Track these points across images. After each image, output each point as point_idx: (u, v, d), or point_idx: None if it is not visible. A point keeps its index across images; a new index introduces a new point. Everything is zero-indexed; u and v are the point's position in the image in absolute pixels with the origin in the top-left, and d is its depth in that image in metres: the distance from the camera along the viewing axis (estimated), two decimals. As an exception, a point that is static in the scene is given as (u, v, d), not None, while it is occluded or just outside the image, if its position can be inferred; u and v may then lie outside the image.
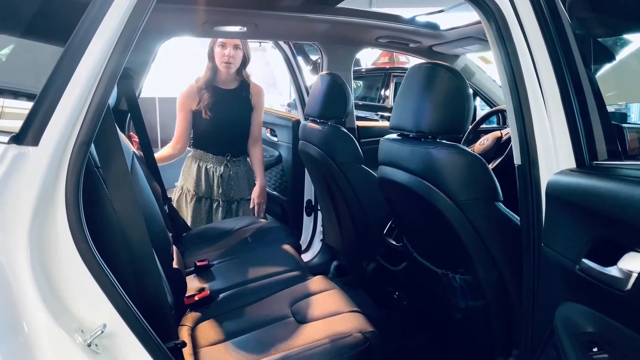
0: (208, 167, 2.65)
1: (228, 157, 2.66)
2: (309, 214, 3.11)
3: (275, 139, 3.21)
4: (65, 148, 0.94)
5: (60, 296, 0.92)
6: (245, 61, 2.62)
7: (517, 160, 1.27)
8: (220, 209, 2.68)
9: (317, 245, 3.06)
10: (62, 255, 0.93)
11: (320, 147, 2.29)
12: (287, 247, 2.22)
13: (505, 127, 2.83)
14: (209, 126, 2.59)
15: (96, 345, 0.92)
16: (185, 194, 2.67)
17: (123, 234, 1.09)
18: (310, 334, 1.47)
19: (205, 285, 1.89)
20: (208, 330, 1.58)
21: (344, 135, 2.23)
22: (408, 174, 1.55)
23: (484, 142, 2.65)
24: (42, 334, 0.87)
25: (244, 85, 2.68)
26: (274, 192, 3.24)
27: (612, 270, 0.80)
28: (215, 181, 2.65)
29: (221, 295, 1.81)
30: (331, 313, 1.59)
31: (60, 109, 0.93)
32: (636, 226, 0.78)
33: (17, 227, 0.87)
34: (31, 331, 0.87)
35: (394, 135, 1.71)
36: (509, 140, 2.63)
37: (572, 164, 1.06)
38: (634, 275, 0.76)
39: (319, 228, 3.07)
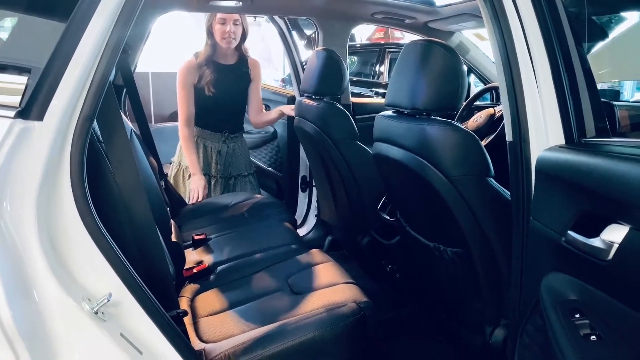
0: (206, 144, 2.67)
1: (226, 134, 2.68)
2: (303, 190, 3.15)
3: (270, 114, 3.22)
4: (69, 123, 0.96)
5: (67, 266, 0.96)
6: (244, 36, 2.61)
7: (508, 136, 1.30)
8: (219, 185, 2.71)
9: (311, 221, 3.11)
10: (67, 227, 0.96)
11: (315, 123, 2.31)
12: (283, 221, 2.26)
13: (499, 104, 2.86)
14: (209, 103, 2.59)
15: (102, 313, 0.96)
16: (183, 171, 2.69)
17: (125, 207, 1.12)
18: (307, 304, 1.52)
19: (203, 259, 1.93)
20: (207, 301, 1.63)
21: (340, 112, 2.25)
22: (402, 150, 1.58)
23: (477, 119, 2.68)
24: (51, 303, 0.91)
25: (243, 60, 2.68)
26: (269, 169, 3.27)
27: (595, 242, 0.84)
28: (214, 158, 2.67)
29: (219, 268, 1.85)
30: (326, 284, 1.64)
31: (63, 84, 0.95)
32: (618, 199, 0.82)
33: (24, 199, 0.90)
34: (41, 300, 0.90)
35: (389, 112, 1.73)
36: (502, 117, 2.66)
37: (562, 141, 1.10)
38: (615, 246, 0.81)
39: (314, 204, 3.11)
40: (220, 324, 1.50)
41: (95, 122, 1.08)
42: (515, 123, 1.25)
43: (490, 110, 2.71)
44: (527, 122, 1.22)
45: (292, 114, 2.63)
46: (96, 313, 0.95)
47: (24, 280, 0.89)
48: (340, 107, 2.26)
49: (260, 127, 2.83)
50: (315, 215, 3.09)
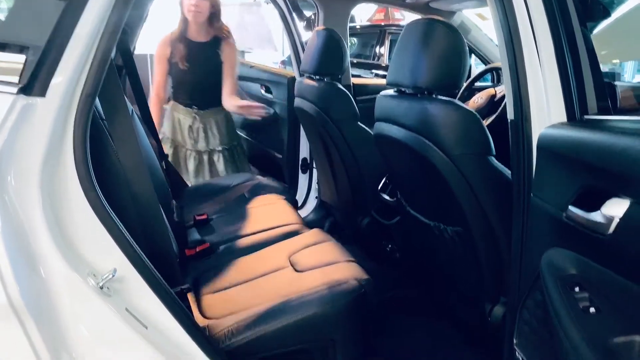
0: (180, 117, 2.76)
1: (195, 110, 2.73)
2: (304, 172, 3.15)
3: (270, 96, 3.21)
4: (71, 99, 0.96)
5: (72, 242, 0.97)
6: (215, 13, 2.61)
7: (510, 114, 1.30)
8: (192, 159, 2.78)
9: (312, 202, 3.12)
10: (72, 203, 0.97)
11: (316, 103, 2.31)
12: (283, 202, 2.27)
13: (499, 85, 2.85)
14: (182, 77, 2.67)
15: (107, 288, 0.98)
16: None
17: (128, 184, 1.13)
18: (308, 282, 1.54)
19: (205, 238, 1.94)
20: (209, 279, 1.65)
21: (341, 92, 2.24)
22: (404, 129, 1.58)
23: (478, 99, 2.67)
24: (57, 278, 0.92)
25: (216, 39, 2.69)
26: (270, 150, 3.27)
27: (596, 216, 0.85)
28: (186, 132, 2.75)
29: (221, 247, 1.87)
30: (327, 262, 1.66)
31: (64, 61, 0.95)
32: (619, 173, 0.83)
33: (29, 175, 0.90)
34: (47, 275, 0.91)
35: (390, 92, 1.73)
36: (502, 98, 2.66)
37: (564, 119, 1.10)
38: (616, 220, 0.82)
39: (314, 185, 3.12)
40: (223, 301, 1.52)
41: (97, 100, 1.08)
42: (517, 101, 1.24)
43: (491, 91, 2.71)
44: (528, 100, 1.22)
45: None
46: (101, 288, 0.96)
47: (30, 256, 0.90)
48: (341, 87, 2.26)
49: (230, 110, 2.82)
50: (316, 197, 3.10)
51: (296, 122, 2.93)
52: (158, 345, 1.00)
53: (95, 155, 1.02)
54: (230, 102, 2.76)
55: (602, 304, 0.84)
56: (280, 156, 3.20)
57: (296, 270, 1.64)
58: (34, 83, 0.93)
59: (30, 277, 0.88)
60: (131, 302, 1.01)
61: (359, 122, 2.26)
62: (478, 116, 1.47)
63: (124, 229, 1.02)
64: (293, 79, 2.91)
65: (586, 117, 1.08)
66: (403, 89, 1.63)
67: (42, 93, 0.93)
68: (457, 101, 1.49)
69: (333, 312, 1.40)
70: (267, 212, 2.18)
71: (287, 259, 1.73)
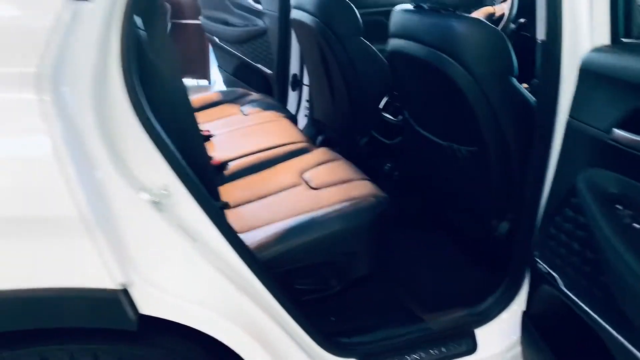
0: None
1: None
2: (294, 89, 3.08)
3: (259, 6, 3.05)
4: (114, 4, 0.89)
5: (123, 157, 0.94)
6: None
7: (540, 35, 1.30)
8: None
9: (302, 121, 3.08)
10: (120, 116, 0.93)
11: (317, 15, 2.21)
12: (285, 120, 2.24)
13: (498, 3, 2.81)
14: None
15: (160, 203, 0.97)
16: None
17: (166, 94, 1.08)
18: (326, 199, 1.56)
19: (212, 155, 1.91)
20: (225, 195, 1.65)
21: (344, 4, 2.15)
22: (425, 46, 1.56)
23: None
24: (115, 192, 0.90)
25: None
26: (258, 65, 3.16)
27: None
28: None
29: (230, 164, 1.85)
30: (342, 180, 1.68)
31: None
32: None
33: (81, 84, 0.85)
34: (106, 189, 0.89)
35: (407, 6, 1.68)
36: (501, 17, 2.63)
37: (607, 41, 1.11)
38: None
39: (304, 103, 3.07)
40: (240, 217, 1.53)
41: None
42: (553, 20, 1.23)
43: (490, 9, 2.67)
44: (563, 20, 1.21)
45: None
46: (155, 203, 0.95)
47: (90, 168, 0.87)
48: (345, -3, 2.16)
49: None
50: (306, 115, 3.06)
51: (287, 36, 2.81)
52: (210, 261, 1.02)
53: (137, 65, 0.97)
54: None
55: (646, 220, 0.90)
56: (270, 72, 3.10)
57: (311, 188, 1.66)
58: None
59: (93, 191, 0.86)
60: (180, 216, 1.01)
61: (362, 37, 2.20)
62: (503, 35, 1.46)
63: (171, 144, 0.99)
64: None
65: (630, 40, 1.10)
66: (421, 4, 1.58)
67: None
68: (483, 19, 1.47)
69: (356, 227, 1.45)
70: (269, 129, 2.15)
71: (300, 177, 1.74)
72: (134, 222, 0.93)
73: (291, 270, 1.42)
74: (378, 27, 2.29)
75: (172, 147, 0.99)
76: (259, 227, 1.46)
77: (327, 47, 2.23)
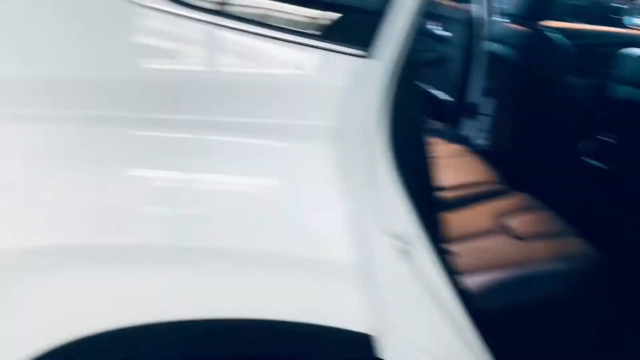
0: None
1: None
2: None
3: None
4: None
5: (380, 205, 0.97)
6: None
7: None
8: None
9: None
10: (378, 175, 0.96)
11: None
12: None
13: None
14: None
15: (408, 251, 0.98)
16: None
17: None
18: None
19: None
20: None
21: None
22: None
23: None
24: (372, 239, 0.94)
25: None
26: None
27: None
28: None
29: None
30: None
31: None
32: None
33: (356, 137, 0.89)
34: (366, 236, 0.93)
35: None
36: None
37: None
38: None
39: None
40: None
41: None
42: None
43: None
44: None
45: None
46: (404, 251, 0.97)
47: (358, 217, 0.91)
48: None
49: None
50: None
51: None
52: (444, 314, 1.01)
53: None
54: None
55: None
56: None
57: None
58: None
59: (360, 237, 0.91)
60: (421, 267, 1.02)
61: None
62: None
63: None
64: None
65: None
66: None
67: (376, 56, 0.90)
68: None
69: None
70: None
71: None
72: (386, 270, 0.96)
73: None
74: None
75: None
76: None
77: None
